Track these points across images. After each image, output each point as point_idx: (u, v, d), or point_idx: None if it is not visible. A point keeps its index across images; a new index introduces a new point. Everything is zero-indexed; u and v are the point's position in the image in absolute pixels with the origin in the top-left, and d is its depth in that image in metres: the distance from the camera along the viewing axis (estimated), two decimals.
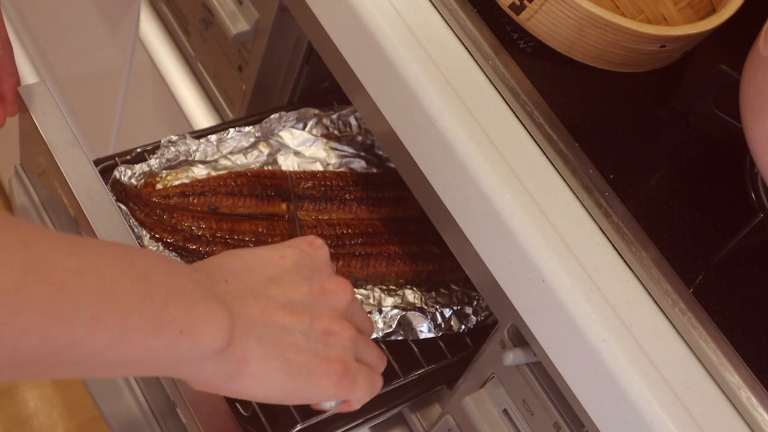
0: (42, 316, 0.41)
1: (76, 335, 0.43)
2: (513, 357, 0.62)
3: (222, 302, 0.50)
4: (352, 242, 0.78)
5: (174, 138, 0.79)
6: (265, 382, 0.52)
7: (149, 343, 0.46)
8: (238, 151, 0.82)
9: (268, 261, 0.56)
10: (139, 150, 0.78)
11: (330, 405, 0.58)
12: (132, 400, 0.74)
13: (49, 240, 0.43)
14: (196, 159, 0.80)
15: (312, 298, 0.56)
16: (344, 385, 0.56)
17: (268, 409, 0.70)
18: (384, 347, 0.75)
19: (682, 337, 0.57)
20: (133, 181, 0.76)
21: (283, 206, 0.78)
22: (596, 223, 0.60)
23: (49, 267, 0.42)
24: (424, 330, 0.76)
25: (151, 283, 0.47)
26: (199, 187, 0.76)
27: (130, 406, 0.75)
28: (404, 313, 0.76)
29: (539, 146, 0.63)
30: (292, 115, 0.84)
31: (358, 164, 0.85)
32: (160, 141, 0.78)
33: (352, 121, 0.87)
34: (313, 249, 0.59)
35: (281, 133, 0.84)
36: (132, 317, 0.45)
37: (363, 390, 0.57)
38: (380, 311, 0.75)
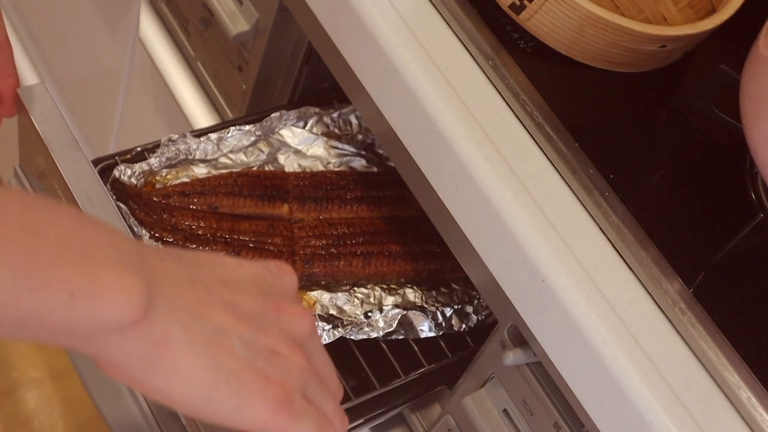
0: None
1: None
2: (513, 357, 0.62)
3: (142, 276, 0.43)
4: (353, 241, 0.77)
5: (174, 137, 0.79)
6: (187, 382, 0.44)
7: (25, 301, 0.40)
8: (238, 149, 0.82)
9: (224, 264, 0.49)
10: (139, 149, 0.78)
11: None
12: (132, 402, 0.74)
13: None
14: (197, 158, 0.80)
15: (263, 313, 0.48)
16: (283, 417, 0.46)
17: None
18: (385, 347, 0.75)
19: (682, 337, 0.57)
20: (133, 180, 0.76)
21: (284, 207, 0.78)
22: (596, 223, 0.60)
23: None
24: (425, 329, 0.76)
25: (41, 236, 0.41)
26: (200, 186, 0.76)
27: (130, 407, 0.74)
28: (405, 312, 0.76)
29: (539, 146, 0.63)
30: (292, 114, 0.84)
31: (359, 163, 0.85)
32: (160, 140, 0.78)
33: (353, 119, 0.87)
34: (279, 272, 0.51)
35: (282, 132, 0.84)
36: (1, 268, 0.40)
37: None
38: (381, 310, 0.75)
